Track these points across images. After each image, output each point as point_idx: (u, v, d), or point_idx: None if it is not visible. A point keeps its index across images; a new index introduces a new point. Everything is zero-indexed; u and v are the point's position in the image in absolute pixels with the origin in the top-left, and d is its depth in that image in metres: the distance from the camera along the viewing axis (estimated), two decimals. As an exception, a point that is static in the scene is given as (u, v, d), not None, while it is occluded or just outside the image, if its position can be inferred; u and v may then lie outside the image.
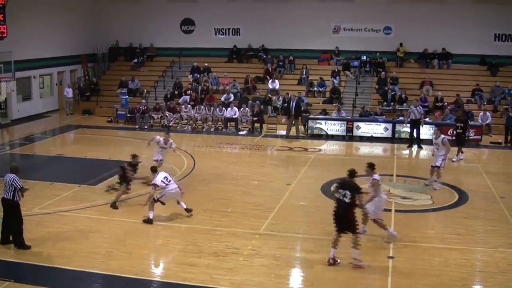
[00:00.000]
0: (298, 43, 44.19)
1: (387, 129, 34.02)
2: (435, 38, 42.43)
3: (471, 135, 32.54)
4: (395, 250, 16.33)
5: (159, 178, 19.14)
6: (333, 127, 34.55)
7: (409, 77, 41.95)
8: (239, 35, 46.34)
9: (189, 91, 40.55)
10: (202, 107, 37.04)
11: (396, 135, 33.86)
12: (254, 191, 22.44)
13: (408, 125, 32.36)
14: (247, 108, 36.50)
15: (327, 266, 15.22)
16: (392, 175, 25.30)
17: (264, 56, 44.73)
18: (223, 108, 36.65)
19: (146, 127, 36.62)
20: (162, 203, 19.19)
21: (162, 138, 23.60)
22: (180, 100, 39.32)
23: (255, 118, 35.76)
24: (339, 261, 15.32)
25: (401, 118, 34.66)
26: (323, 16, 43.73)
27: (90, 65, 47.58)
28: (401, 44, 43.24)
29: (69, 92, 42.51)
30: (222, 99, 38.96)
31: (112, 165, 26.04)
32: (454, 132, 29.99)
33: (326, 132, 34.51)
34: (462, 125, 29.66)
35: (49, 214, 19.31)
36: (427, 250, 16.50)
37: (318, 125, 34.72)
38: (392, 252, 16.20)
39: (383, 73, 41.02)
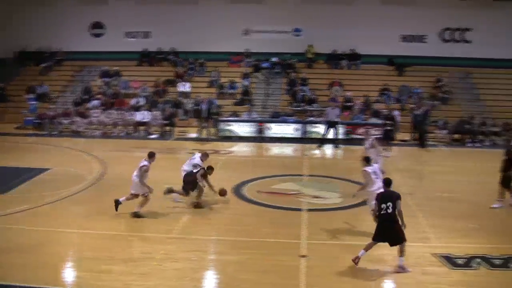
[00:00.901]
0: (208, 46, 44.04)
1: (298, 130, 34.46)
2: (343, 39, 43.15)
3: (378, 133, 33.31)
4: (307, 249, 16.45)
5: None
6: (244, 129, 34.80)
7: (318, 77, 42.51)
8: (150, 38, 46.02)
9: (99, 96, 40.08)
10: (113, 111, 36.71)
11: (307, 135, 34.32)
12: (163, 195, 22.21)
13: (323, 125, 32.96)
14: (157, 112, 36.36)
15: (240, 268, 15.30)
16: (302, 175, 25.54)
17: (175, 59, 44.60)
18: (134, 112, 36.40)
19: (55, 133, 36.03)
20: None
21: (199, 155, 22.56)
22: (90, 105, 38.78)
23: (166, 122, 35.66)
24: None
25: (311, 118, 35.22)
26: (233, 18, 43.88)
27: (-4, 70, 46.47)
28: (310, 46, 43.81)
29: (-26, 99, 41.45)
30: (133, 103, 38.63)
31: (21, 172, 25.57)
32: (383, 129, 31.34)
33: (237, 133, 34.67)
34: (391, 122, 30.71)
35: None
36: (340, 247, 16.69)
37: (229, 127, 34.88)
38: (304, 251, 16.34)
39: (293, 74, 41.51)
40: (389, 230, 15.02)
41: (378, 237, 15.17)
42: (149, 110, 36.74)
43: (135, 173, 19.51)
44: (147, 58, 45.25)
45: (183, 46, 44.87)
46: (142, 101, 38.68)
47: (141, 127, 35.95)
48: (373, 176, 17.98)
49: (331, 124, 32.60)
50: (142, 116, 35.97)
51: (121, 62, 44.65)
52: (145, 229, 18.32)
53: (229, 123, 35.14)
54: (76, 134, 35.70)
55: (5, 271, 15.03)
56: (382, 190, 16.39)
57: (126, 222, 18.98)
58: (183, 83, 41.28)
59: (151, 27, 45.75)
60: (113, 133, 35.79)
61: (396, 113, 36.05)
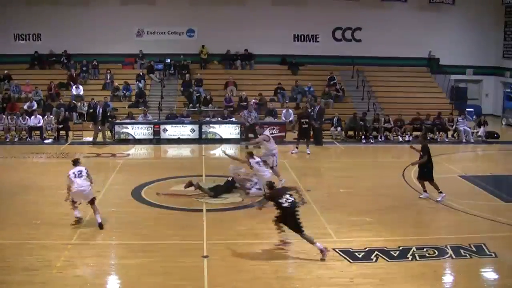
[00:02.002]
0: (101, 48, 43.51)
1: (194, 131, 34.50)
2: (237, 40, 43.60)
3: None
4: (209, 250, 16.51)
5: (71, 170, 18.88)
6: (140, 131, 34.43)
7: (213, 78, 42.66)
8: (40, 40, 44.94)
9: (-11, 101, 39.02)
10: (4, 116, 35.70)
11: (203, 136, 34.43)
12: (64, 201, 21.46)
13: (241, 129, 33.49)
14: (51, 116, 35.68)
15: (143, 271, 15.20)
16: (201, 176, 25.47)
17: (67, 62, 43.78)
18: (27, 117, 35.51)
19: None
20: (73, 201, 18.76)
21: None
22: (-20, 110, 37.66)
23: (60, 126, 34.96)
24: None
25: (207, 119, 35.44)
26: (125, 19, 43.49)
27: None
28: (203, 46, 43.92)
29: None
30: (25, 107, 37.63)
31: None
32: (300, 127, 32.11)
33: (133, 136, 34.33)
34: (307, 120, 31.25)
35: None
36: (241, 246, 16.85)
37: (125, 130, 34.47)
38: (207, 252, 16.39)
39: (187, 75, 41.49)
40: (296, 218, 16.05)
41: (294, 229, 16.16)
42: (43, 114, 35.94)
43: (85, 182, 18.80)
44: (38, 61, 44.24)
45: (75, 49, 44.03)
46: (34, 105, 37.79)
47: (35, 132, 35.09)
48: (256, 166, 21.60)
49: (250, 127, 32.76)
50: (35, 120, 35.12)
51: (11, 65, 43.35)
52: (43, 236, 17.85)
53: (124, 125, 34.71)
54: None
55: None
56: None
57: (23, 230, 18.49)
58: (77, 86, 40.59)
59: (41, 29, 44.64)
60: (6, 139, 34.81)
61: (290, 111, 36.64)
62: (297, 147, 31.55)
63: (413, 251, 16.42)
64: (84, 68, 43.01)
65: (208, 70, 44.00)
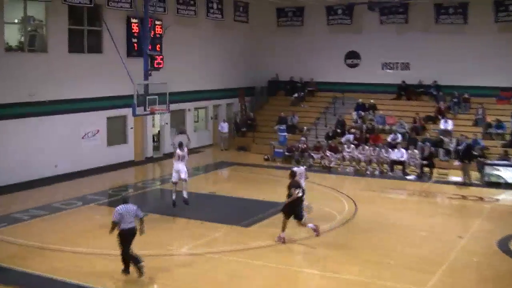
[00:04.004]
0: (473, 79, 42.30)
1: None
2: None
3: None
4: None
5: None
6: (513, 175, 32.71)
7: None
8: (409, 69, 45.22)
9: (352, 130, 40.03)
10: (367, 147, 36.23)
11: None
12: (421, 243, 21.62)
13: None
14: (415, 150, 35.38)
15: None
16: None
17: (436, 93, 43.36)
18: (389, 149, 35.80)
19: (305, 167, 36.11)
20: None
21: None
22: (343, 139, 38.77)
23: (425, 162, 34.57)
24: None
25: None
26: (504, 49, 41.71)
27: (248, 99, 48.04)
28: None
29: (224, 127, 43.41)
30: (389, 139, 38.09)
31: (267, 206, 25.92)
32: None
33: (505, 180, 32.54)
34: None
35: (197, 255, 19.35)
36: None
37: (496, 172, 32.90)
38: None
39: None
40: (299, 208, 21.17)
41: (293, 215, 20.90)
42: (406, 148, 35.80)
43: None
44: (405, 91, 44.55)
45: (445, 80, 43.48)
46: (399, 138, 38.00)
47: (397, 166, 35.10)
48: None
49: None
50: (398, 154, 35.12)
51: (377, 94, 44.47)
52: (394, 278, 17.99)
53: (496, 167, 33.12)
54: (327, 169, 35.76)
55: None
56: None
57: (374, 268, 18.82)
58: (445, 120, 39.90)
59: (409, 58, 45.01)
60: (366, 171, 35.28)
61: None
62: None
63: None
64: (455, 101, 42.13)
65: None
